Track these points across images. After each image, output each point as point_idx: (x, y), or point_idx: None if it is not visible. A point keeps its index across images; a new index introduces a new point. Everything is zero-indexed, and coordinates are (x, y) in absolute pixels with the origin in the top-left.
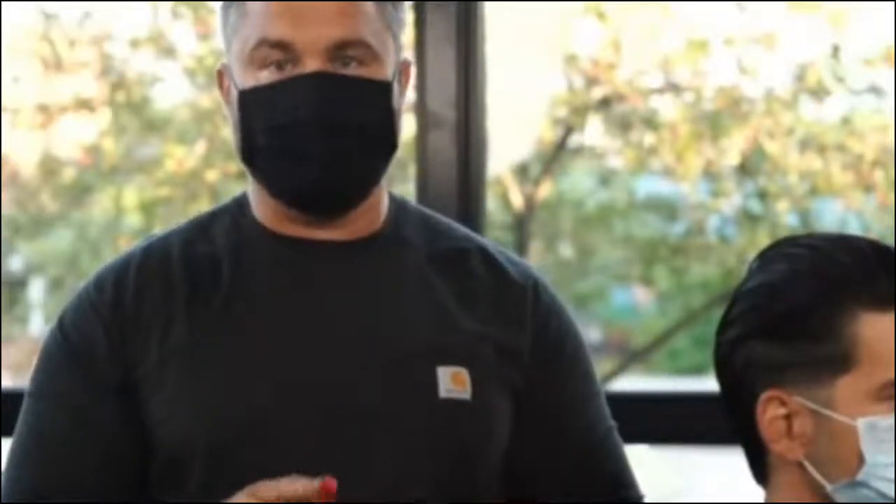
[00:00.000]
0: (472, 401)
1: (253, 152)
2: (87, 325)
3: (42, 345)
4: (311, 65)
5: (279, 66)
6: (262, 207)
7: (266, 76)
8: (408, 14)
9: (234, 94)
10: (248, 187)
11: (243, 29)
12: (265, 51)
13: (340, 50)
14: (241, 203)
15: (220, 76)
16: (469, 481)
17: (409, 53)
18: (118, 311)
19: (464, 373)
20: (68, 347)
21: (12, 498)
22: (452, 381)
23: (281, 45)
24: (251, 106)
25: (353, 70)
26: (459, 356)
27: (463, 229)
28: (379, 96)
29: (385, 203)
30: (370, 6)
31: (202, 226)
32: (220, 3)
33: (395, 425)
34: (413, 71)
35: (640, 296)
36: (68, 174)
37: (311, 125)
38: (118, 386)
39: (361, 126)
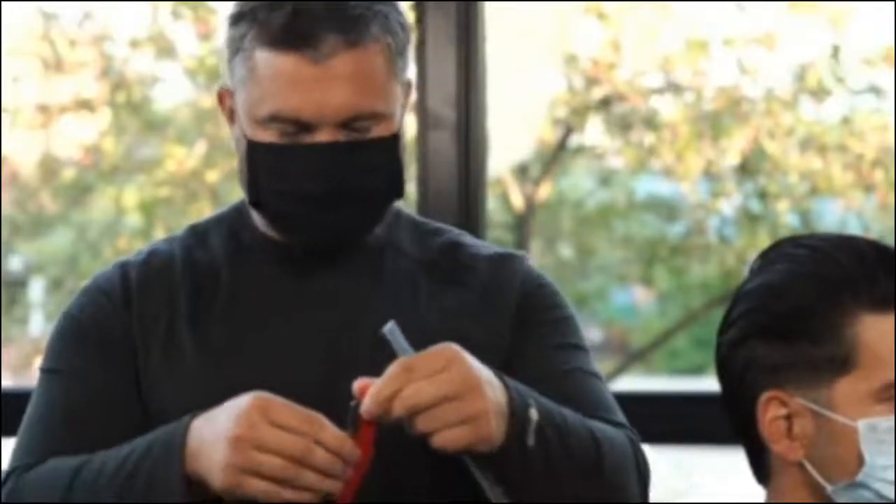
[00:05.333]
0: None
1: (259, 202)
2: (98, 311)
3: (53, 329)
4: (323, 135)
5: (290, 133)
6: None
7: (276, 137)
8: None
9: (240, 132)
10: None
11: (251, 88)
12: (276, 124)
13: (352, 121)
14: (239, 210)
15: (221, 97)
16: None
17: (409, 54)
18: (126, 301)
19: None
20: (79, 328)
21: (21, 460)
22: None
23: (293, 121)
24: (261, 160)
25: (362, 135)
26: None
27: (453, 229)
28: (388, 153)
29: None
30: (381, 70)
31: (200, 233)
32: (224, 39)
33: (387, 426)
34: (413, 71)
35: (640, 296)
36: (68, 174)
37: (321, 197)
38: (128, 368)
39: (371, 189)
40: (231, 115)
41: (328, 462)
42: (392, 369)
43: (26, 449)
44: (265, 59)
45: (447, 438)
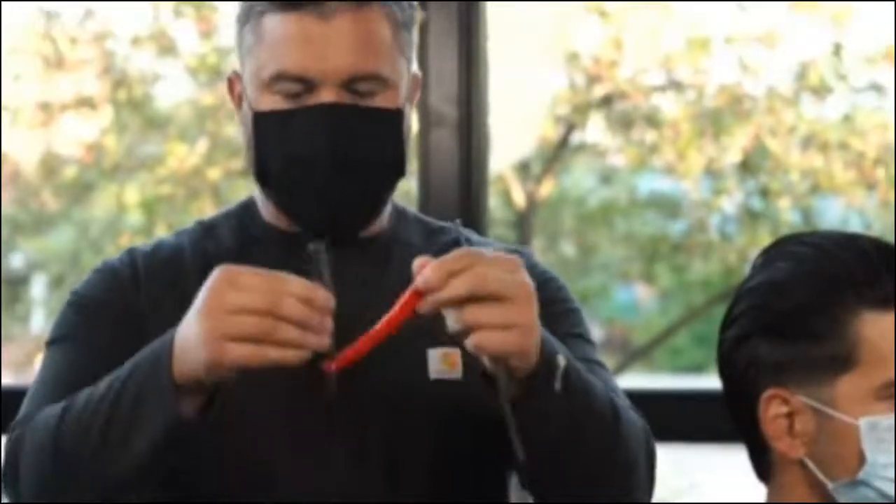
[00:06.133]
0: (463, 380)
1: (266, 176)
2: (106, 289)
3: (60, 309)
4: (327, 95)
5: (295, 94)
6: (270, 206)
7: (281, 101)
8: (416, 32)
9: (247, 109)
10: (256, 189)
11: (259, 53)
12: (282, 83)
13: (355, 82)
14: (247, 206)
15: (231, 84)
16: (465, 455)
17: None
18: (134, 281)
19: (455, 353)
20: (86, 303)
21: (24, 414)
22: (443, 362)
23: (298, 78)
24: (266, 129)
25: (366, 101)
26: (452, 338)
27: (458, 227)
28: (392, 126)
29: (388, 209)
30: (385, 34)
31: (208, 227)
32: (236, 14)
33: (387, 406)
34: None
35: (642, 293)
36: (69, 172)
37: (325, 159)
38: (134, 340)
39: (374, 158)
40: (239, 101)
41: (300, 311)
42: (460, 251)
43: (30, 408)
44: (272, 22)
45: (488, 338)
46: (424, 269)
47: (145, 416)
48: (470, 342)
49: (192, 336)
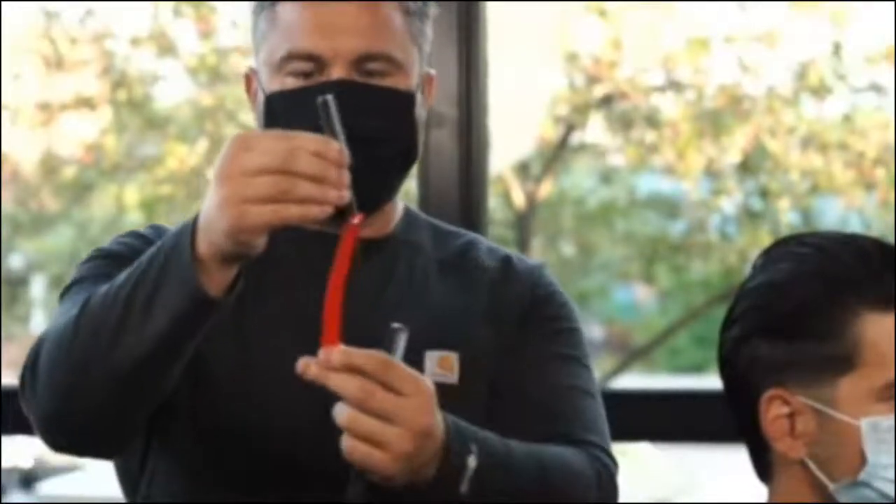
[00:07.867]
0: (459, 384)
1: None
2: (128, 246)
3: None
4: (337, 73)
5: (306, 75)
6: None
7: (292, 82)
8: (431, 27)
9: (261, 98)
10: None
11: (272, 37)
12: (294, 62)
13: (366, 62)
14: None
15: (248, 80)
16: None
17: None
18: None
19: (452, 357)
20: (108, 254)
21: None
22: (439, 366)
23: (309, 57)
24: (276, 110)
25: (377, 81)
26: (451, 342)
27: (469, 233)
28: (402, 107)
29: (398, 210)
30: (397, 20)
31: None
32: (252, 6)
33: None
34: None
35: (641, 293)
36: (69, 172)
37: None
38: None
39: (383, 137)
40: (255, 96)
41: (315, 165)
42: (376, 353)
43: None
44: (285, 8)
45: (354, 447)
46: (334, 349)
47: (170, 285)
48: (342, 443)
49: (212, 205)
